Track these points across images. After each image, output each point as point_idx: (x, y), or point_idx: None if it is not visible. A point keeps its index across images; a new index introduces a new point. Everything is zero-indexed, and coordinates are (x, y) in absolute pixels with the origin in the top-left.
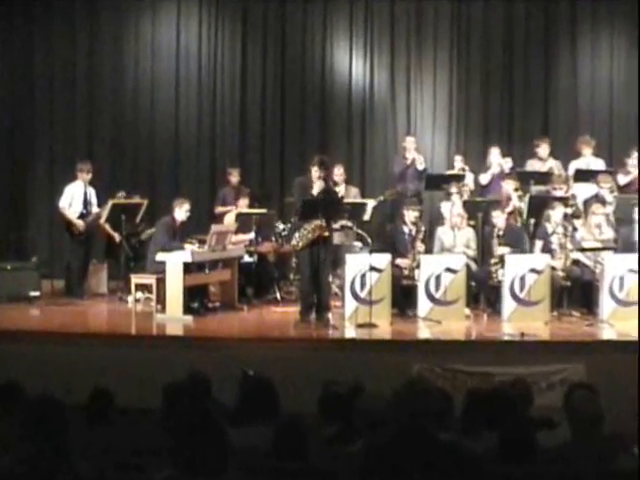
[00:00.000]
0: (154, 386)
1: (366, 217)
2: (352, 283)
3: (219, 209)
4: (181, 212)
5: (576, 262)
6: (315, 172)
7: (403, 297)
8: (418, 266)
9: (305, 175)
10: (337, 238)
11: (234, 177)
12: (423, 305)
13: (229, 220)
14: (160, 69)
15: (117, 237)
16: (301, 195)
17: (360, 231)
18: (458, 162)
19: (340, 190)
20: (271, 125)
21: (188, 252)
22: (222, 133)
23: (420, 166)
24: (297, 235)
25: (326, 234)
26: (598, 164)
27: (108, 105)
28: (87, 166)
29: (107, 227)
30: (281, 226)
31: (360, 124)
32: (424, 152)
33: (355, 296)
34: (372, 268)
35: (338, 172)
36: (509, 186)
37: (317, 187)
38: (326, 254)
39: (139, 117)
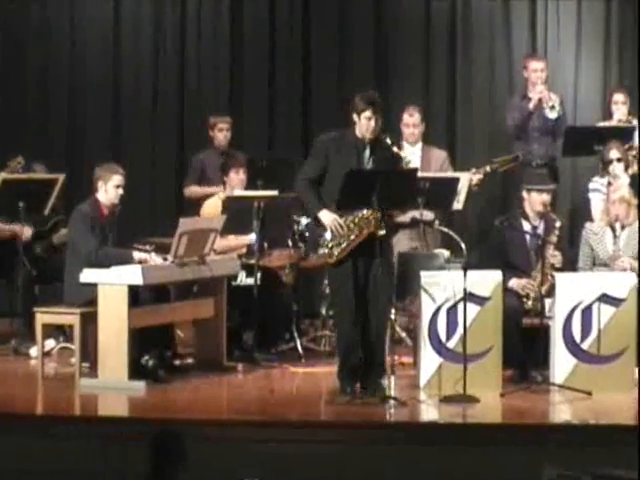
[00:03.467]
0: None
1: (458, 205)
2: (432, 323)
3: (192, 189)
4: (108, 188)
5: None
6: (365, 119)
7: (524, 347)
8: (551, 292)
9: (341, 130)
10: (404, 242)
11: (222, 133)
12: (560, 361)
13: (212, 209)
14: None
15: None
16: (321, 164)
17: (447, 230)
18: (620, 107)
19: (412, 154)
20: (286, 47)
21: (137, 268)
22: (197, 58)
23: (552, 113)
24: (329, 236)
25: (381, 233)
26: None
27: None
28: None
29: None
30: (304, 220)
31: (447, 43)
32: (561, 89)
33: (437, 346)
34: (468, 296)
35: (410, 120)
36: None
37: (368, 151)
38: (384, 270)
39: (52, 36)
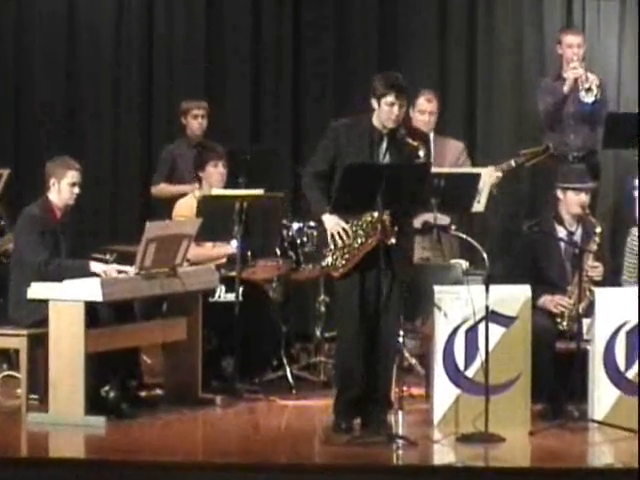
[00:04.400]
0: None
1: (479, 206)
2: (448, 347)
3: (161, 187)
4: (62, 187)
5: None
6: (386, 105)
7: (557, 377)
8: (590, 311)
9: (357, 115)
10: (415, 251)
11: (197, 120)
12: (601, 393)
13: (185, 211)
14: None
15: None
16: (330, 154)
17: (465, 236)
18: None
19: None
20: (274, 15)
21: (95, 282)
22: (168, 27)
23: (588, 96)
24: (333, 246)
25: (392, 241)
26: None
27: None
28: None
29: None
30: (295, 226)
31: (466, 12)
32: (601, 69)
33: (454, 375)
34: (491, 315)
35: (428, 107)
36: None
37: (386, 143)
38: (394, 285)
39: None
